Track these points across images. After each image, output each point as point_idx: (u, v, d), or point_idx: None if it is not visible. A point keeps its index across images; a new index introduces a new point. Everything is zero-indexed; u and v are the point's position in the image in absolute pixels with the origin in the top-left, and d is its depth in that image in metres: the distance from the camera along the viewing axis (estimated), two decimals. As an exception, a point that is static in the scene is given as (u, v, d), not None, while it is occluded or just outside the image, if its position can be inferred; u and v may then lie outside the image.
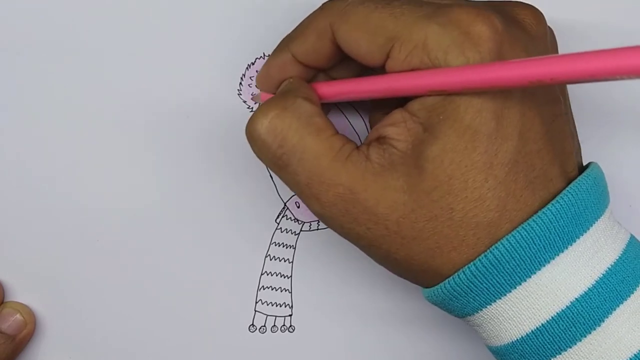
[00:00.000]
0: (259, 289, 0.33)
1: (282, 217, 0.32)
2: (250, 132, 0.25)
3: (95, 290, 0.32)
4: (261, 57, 0.30)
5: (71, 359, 0.33)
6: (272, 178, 0.32)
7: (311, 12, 0.26)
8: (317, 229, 0.33)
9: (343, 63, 0.27)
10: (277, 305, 0.33)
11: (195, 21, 0.30)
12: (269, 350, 0.33)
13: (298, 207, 0.32)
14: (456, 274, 0.24)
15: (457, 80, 0.22)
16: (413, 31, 0.23)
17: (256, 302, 0.33)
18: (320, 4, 0.26)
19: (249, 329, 0.33)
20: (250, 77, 0.31)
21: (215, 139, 0.31)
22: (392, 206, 0.23)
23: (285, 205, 0.32)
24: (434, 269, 0.24)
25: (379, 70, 0.25)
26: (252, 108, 0.31)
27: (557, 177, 0.24)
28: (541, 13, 0.25)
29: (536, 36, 0.24)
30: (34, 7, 0.30)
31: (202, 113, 0.31)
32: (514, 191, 0.23)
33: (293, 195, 0.32)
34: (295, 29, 0.26)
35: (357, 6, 0.24)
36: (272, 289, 0.33)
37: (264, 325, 0.33)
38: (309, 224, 0.33)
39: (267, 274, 0.33)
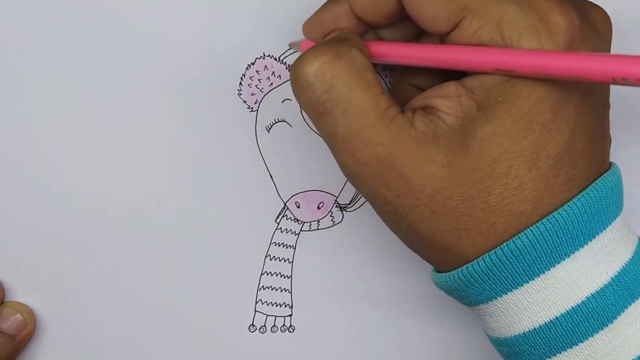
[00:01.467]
0: (259, 289, 0.33)
1: (282, 217, 0.32)
2: (297, 72, 0.23)
3: (95, 290, 0.32)
4: (261, 57, 0.30)
5: (71, 359, 0.33)
6: (272, 178, 0.32)
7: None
8: (317, 229, 0.33)
9: (397, 24, 0.26)
10: (277, 305, 0.33)
11: (195, 21, 0.30)
12: (269, 350, 0.33)
13: (298, 207, 0.32)
14: (475, 260, 0.23)
15: (531, 63, 0.22)
16: (490, 5, 0.22)
17: (256, 302, 0.33)
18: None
19: (249, 329, 0.33)
20: (250, 77, 0.31)
21: (215, 139, 0.31)
22: (429, 178, 0.23)
23: (285, 205, 0.32)
24: (456, 250, 0.24)
25: (434, 38, 0.24)
26: (252, 108, 0.31)
27: (591, 178, 0.24)
28: (610, 18, 0.25)
29: (604, 38, 0.25)
30: (34, 6, 0.30)
31: (202, 113, 0.31)
32: (553, 185, 0.23)
33: (293, 195, 0.32)
34: None
35: None
36: (272, 289, 0.33)
37: (264, 325, 0.33)
38: (309, 224, 0.33)
39: (267, 274, 0.33)
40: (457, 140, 0.23)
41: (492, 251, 0.23)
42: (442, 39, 0.24)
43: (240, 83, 0.31)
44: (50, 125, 0.31)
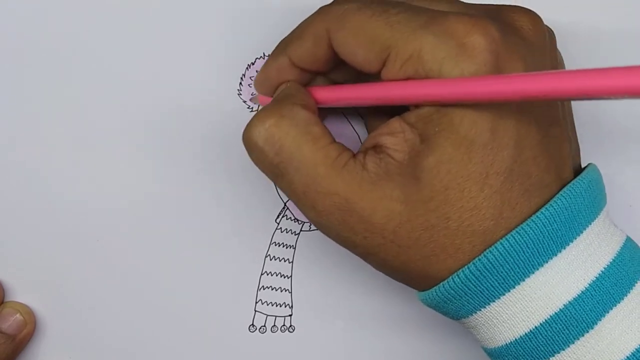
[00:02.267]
0: (259, 289, 0.33)
1: (282, 217, 0.32)
2: (248, 140, 0.25)
3: (95, 290, 0.32)
4: (261, 57, 0.30)
5: (71, 359, 0.33)
6: (272, 178, 0.32)
7: (310, 13, 0.26)
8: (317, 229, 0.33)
9: (341, 66, 0.27)
10: (277, 305, 0.33)
11: (195, 21, 0.30)
12: (269, 350, 0.33)
13: (298, 207, 0.32)
14: (450, 277, 0.24)
15: (449, 92, 0.22)
16: (408, 41, 0.23)
17: (256, 302, 0.33)
18: (318, 8, 0.26)
19: (249, 329, 0.33)
20: (250, 77, 0.31)
21: (215, 139, 0.31)
22: (389, 215, 0.23)
23: (285, 205, 0.32)
24: (430, 274, 0.24)
25: (375, 76, 0.25)
26: (252, 108, 0.31)
27: (553, 183, 0.24)
28: (539, 17, 0.25)
29: (534, 42, 0.24)
30: (34, 7, 0.30)
31: (202, 113, 0.31)
32: (510, 199, 0.23)
33: (293, 195, 0.32)
34: (292, 32, 0.26)
35: (354, 12, 0.24)
36: (272, 289, 0.33)
37: (264, 325, 0.33)
38: (309, 224, 0.33)
39: (267, 274, 0.33)
40: (408, 173, 0.23)
41: (463, 268, 0.23)
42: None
43: (240, 83, 0.31)
44: (50, 125, 0.31)
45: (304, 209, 0.25)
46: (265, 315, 0.33)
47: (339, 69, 0.27)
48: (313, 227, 0.33)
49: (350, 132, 0.32)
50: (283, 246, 0.33)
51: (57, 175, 0.31)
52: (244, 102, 0.31)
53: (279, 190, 0.32)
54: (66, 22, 0.30)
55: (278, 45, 0.27)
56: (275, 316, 0.33)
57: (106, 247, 0.32)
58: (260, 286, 0.33)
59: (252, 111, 0.31)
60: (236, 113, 0.31)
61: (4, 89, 0.30)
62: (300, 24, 0.26)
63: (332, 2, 0.25)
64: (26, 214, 0.31)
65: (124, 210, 0.32)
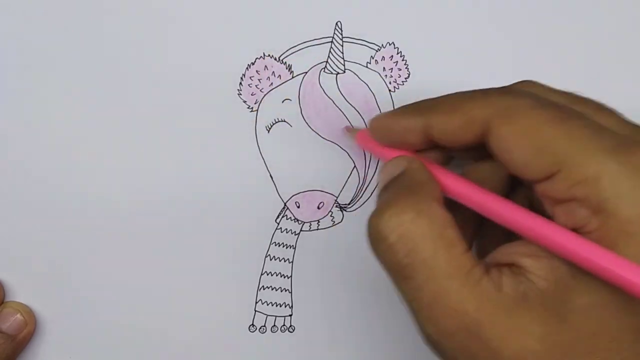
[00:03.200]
0: (259, 289, 0.33)
1: (282, 217, 0.32)
2: (376, 230, 0.22)
3: (95, 290, 0.32)
4: (261, 57, 0.30)
5: (71, 359, 0.33)
6: (272, 178, 0.32)
7: (459, 91, 0.24)
8: (317, 229, 0.33)
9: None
10: (277, 305, 0.33)
11: (196, 21, 0.30)
12: (269, 350, 0.33)
13: (298, 207, 0.32)
14: None
15: (619, 275, 0.19)
16: (588, 162, 0.20)
17: (256, 302, 0.33)
18: (474, 87, 0.23)
19: (249, 329, 0.33)
20: (250, 77, 0.31)
21: (215, 138, 0.31)
22: (520, 353, 0.20)
23: (285, 205, 0.32)
24: None
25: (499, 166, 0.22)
26: (252, 108, 0.31)
27: None
28: None
29: None
30: (34, 6, 0.30)
31: (202, 113, 0.31)
32: None
33: (293, 195, 0.32)
34: (442, 101, 0.24)
35: (526, 110, 0.21)
36: (272, 289, 0.33)
37: (264, 325, 0.33)
38: (309, 224, 0.33)
39: (267, 274, 0.33)
40: (552, 309, 0.20)
41: None
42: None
43: (240, 83, 0.31)
44: (50, 124, 0.31)
45: (423, 321, 0.22)
46: (265, 315, 0.33)
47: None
48: (313, 227, 0.33)
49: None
50: (283, 246, 0.33)
51: (58, 174, 0.31)
52: (244, 102, 0.31)
53: (279, 190, 0.32)
54: (66, 22, 0.30)
55: (417, 105, 0.25)
56: (275, 316, 0.33)
57: (106, 247, 0.32)
58: (260, 286, 0.33)
59: (252, 111, 0.31)
60: (236, 113, 0.31)
61: (4, 89, 0.30)
62: (453, 96, 0.24)
63: (499, 89, 0.23)
64: (26, 214, 0.31)
65: (124, 210, 0.32)
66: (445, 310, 0.21)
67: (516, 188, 0.26)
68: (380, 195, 0.24)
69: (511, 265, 0.22)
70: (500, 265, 0.22)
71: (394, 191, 0.23)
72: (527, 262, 0.21)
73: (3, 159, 0.31)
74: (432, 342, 0.22)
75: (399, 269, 0.22)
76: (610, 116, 0.23)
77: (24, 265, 0.32)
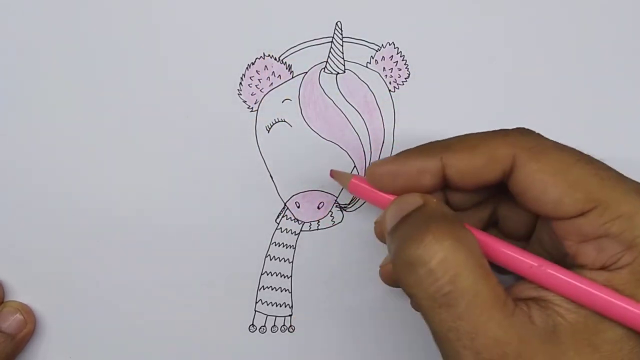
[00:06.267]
0: (259, 289, 0.33)
1: (282, 217, 0.32)
2: (416, 256, 0.21)
3: (95, 290, 0.32)
4: (261, 57, 0.30)
5: (71, 359, 0.33)
6: (272, 178, 0.32)
7: (471, 132, 0.24)
8: (317, 229, 0.33)
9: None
10: (277, 305, 0.33)
11: (196, 21, 0.30)
12: (269, 350, 0.33)
13: (298, 207, 0.32)
14: None
15: None
16: (623, 201, 0.21)
17: (256, 302, 0.33)
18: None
19: (249, 329, 0.33)
20: (250, 77, 0.31)
21: (215, 138, 0.31)
22: None
23: (285, 205, 0.32)
24: None
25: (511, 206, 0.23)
26: (252, 108, 0.31)
27: None
28: None
29: None
30: (34, 6, 0.30)
31: (202, 113, 0.31)
32: None
33: (293, 195, 0.32)
34: (459, 141, 0.24)
35: (553, 149, 0.22)
36: (272, 289, 0.33)
37: (264, 325, 0.33)
38: (309, 224, 0.33)
39: (267, 274, 0.33)
40: (583, 340, 0.21)
41: None
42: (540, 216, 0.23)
43: (240, 83, 0.31)
44: (50, 125, 0.31)
45: (462, 350, 0.21)
46: (265, 315, 0.33)
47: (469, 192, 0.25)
48: (313, 227, 0.33)
49: (350, 132, 0.32)
50: (283, 246, 0.33)
51: (58, 175, 0.31)
52: (244, 101, 0.31)
53: (279, 190, 0.32)
54: (67, 22, 0.30)
55: (431, 145, 0.24)
56: (275, 316, 0.33)
57: (106, 246, 0.32)
58: (260, 286, 0.33)
59: (252, 111, 0.31)
60: (236, 113, 0.31)
61: (4, 89, 0.30)
62: (469, 136, 0.24)
63: (519, 130, 0.24)
64: (26, 214, 0.31)
65: (124, 210, 0.32)
66: (488, 341, 0.21)
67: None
68: (398, 228, 0.23)
69: (537, 300, 0.22)
70: (526, 300, 0.22)
71: (422, 220, 0.22)
72: (551, 296, 0.22)
73: (3, 159, 0.31)
74: None
75: (437, 296, 0.21)
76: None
77: (24, 265, 0.32)
